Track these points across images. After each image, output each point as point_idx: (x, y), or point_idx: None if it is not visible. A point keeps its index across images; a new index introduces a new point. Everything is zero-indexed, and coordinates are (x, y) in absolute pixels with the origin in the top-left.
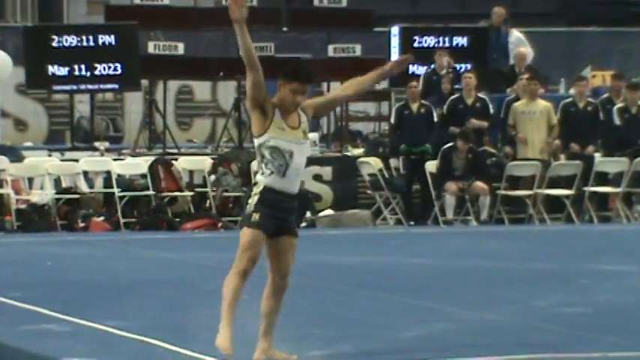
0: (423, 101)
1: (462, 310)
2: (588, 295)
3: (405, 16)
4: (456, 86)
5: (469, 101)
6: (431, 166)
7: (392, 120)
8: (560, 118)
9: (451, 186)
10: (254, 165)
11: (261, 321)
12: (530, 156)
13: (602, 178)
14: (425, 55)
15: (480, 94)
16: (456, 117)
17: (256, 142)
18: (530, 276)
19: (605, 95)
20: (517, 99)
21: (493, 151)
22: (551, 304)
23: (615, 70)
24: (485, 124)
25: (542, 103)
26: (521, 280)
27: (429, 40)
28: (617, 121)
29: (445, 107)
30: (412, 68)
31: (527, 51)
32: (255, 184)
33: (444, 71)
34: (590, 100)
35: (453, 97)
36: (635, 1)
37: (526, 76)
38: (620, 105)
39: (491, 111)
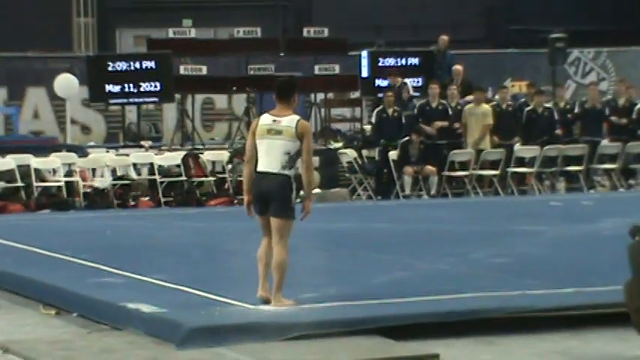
0: (395, 107)
1: (418, 261)
2: (511, 249)
3: (372, 42)
4: (414, 94)
5: (434, 105)
6: (393, 154)
7: (373, 120)
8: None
9: (408, 169)
10: None
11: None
12: (472, 146)
13: (521, 161)
14: (387, 72)
15: (442, 100)
16: (423, 117)
17: (299, 148)
18: (468, 236)
19: (522, 100)
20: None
21: (440, 142)
22: (483, 256)
23: (529, 81)
24: (446, 123)
25: (484, 107)
26: (461, 239)
27: (390, 61)
28: (524, 119)
29: (415, 109)
30: (377, 82)
31: (460, 68)
32: (291, 178)
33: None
34: (509, 102)
35: (421, 101)
36: (542, 29)
37: (453, 87)
38: (529, 108)
39: (450, 113)
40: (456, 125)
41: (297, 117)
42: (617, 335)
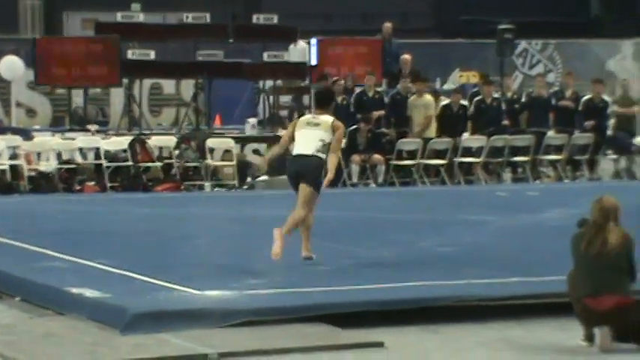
0: (344, 95)
1: (364, 249)
2: (457, 238)
3: (321, 30)
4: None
5: (370, 94)
6: None
7: None
8: (441, 116)
9: (355, 158)
10: (209, 142)
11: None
12: (417, 136)
13: (468, 151)
14: (336, 61)
15: (378, 89)
16: (361, 106)
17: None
18: (415, 224)
19: (474, 90)
20: (399, 93)
21: (387, 131)
22: (430, 245)
23: (478, 71)
24: (382, 112)
25: (426, 98)
26: (408, 227)
27: (338, 49)
28: (472, 109)
29: (352, 99)
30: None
31: (408, 57)
32: (323, 160)
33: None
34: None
35: (358, 91)
36: (491, 20)
37: (408, 79)
38: (478, 97)
39: (386, 102)
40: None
41: (333, 117)
42: (559, 325)
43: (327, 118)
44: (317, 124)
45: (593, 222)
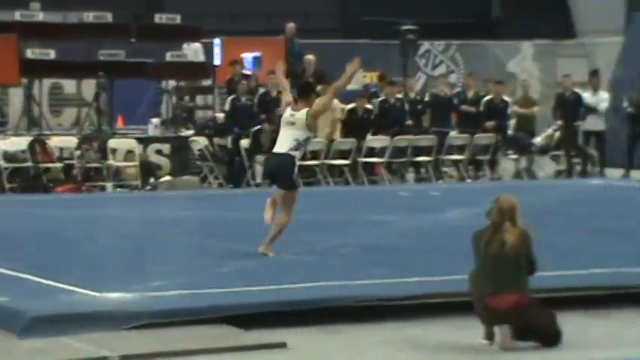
0: (248, 95)
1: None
2: (360, 238)
3: (224, 30)
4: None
5: (274, 94)
6: (245, 143)
7: (226, 108)
8: (347, 119)
9: (259, 158)
10: (111, 142)
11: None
12: (322, 136)
13: (371, 152)
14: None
15: None
16: (266, 106)
17: (308, 135)
18: (317, 225)
19: (374, 90)
20: None
21: None
22: (332, 245)
23: (380, 72)
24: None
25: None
26: (310, 228)
27: (243, 49)
28: (376, 110)
29: (256, 99)
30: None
31: (312, 57)
32: (295, 158)
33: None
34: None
35: (261, 91)
36: (394, 21)
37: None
38: (381, 98)
39: None
40: None
41: (308, 109)
42: (460, 324)
43: (302, 115)
44: (293, 123)
45: (491, 222)
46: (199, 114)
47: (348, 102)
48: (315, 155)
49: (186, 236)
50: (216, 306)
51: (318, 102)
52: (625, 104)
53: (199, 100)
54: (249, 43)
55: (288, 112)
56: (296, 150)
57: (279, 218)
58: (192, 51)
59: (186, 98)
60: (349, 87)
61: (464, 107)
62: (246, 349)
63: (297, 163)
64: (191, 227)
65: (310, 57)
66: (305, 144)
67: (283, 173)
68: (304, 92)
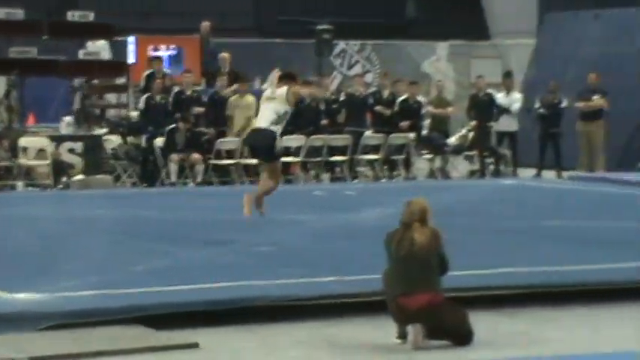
0: (163, 94)
1: (181, 249)
2: (274, 237)
3: (139, 28)
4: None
5: (188, 93)
6: (159, 141)
7: (141, 107)
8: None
9: (174, 157)
10: (22, 141)
11: None
12: (237, 136)
13: (286, 151)
14: (154, 59)
15: (197, 87)
16: (180, 105)
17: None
18: (232, 224)
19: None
20: (217, 92)
21: (207, 130)
22: (246, 244)
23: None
24: (201, 109)
25: (248, 98)
26: (225, 227)
27: (159, 47)
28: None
29: (171, 98)
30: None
31: (227, 56)
32: (276, 132)
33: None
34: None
35: (176, 90)
36: (310, 20)
37: (224, 77)
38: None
39: (205, 100)
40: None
41: (288, 87)
42: (374, 323)
43: (283, 91)
44: (273, 98)
45: (402, 223)
46: (112, 112)
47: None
48: (230, 154)
49: (99, 236)
50: (129, 306)
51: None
52: (537, 105)
53: (113, 98)
54: (164, 41)
55: (268, 91)
56: (276, 124)
57: (265, 180)
58: (97, 49)
59: (101, 96)
60: (265, 87)
61: (378, 108)
62: (159, 350)
63: (278, 137)
64: (104, 227)
65: (225, 55)
66: (284, 118)
67: (264, 147)
68: (287, 77)
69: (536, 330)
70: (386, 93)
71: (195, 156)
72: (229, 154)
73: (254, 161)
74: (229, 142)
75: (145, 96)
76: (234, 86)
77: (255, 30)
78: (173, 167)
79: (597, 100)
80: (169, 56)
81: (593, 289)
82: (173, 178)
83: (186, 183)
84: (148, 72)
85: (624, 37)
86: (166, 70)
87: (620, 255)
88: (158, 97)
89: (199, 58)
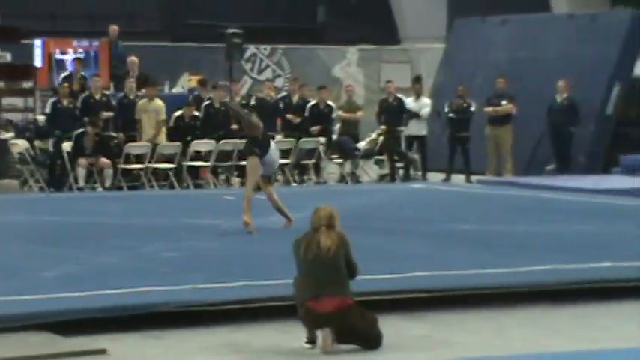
0: (70, 98)
1: (88, 255)
2: (184, 242)
3: (47, 31)
4: None
5: (97, 97)
6: (67, 146)
7: (47, 111)
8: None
9: (82, 161)
10: None
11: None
12: (145, 140)
13: (197, 155)
14: (61, 63)
15: (106, 91)
16: (88, 109)
17: None
18: (141, 229)
19: (196, 93)
20: (127, 96)
21: (115, 135)
22: (155, 249)
23: (202, 75)
24: (111, 114)
25: (157, 102)
26: (134, 232)
27: (66, 50)
28: (203, 113)
29: (80, 102)
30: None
31: (135, 59)
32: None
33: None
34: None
35: (85, 94)
36: (220, 24)
37: (131, 80)
38: (206, 102)
39: (114, 104)
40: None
41: None
42: (283, 327)
43: None
44: None
45: (311, 228)
46: (19, 116)
47: (174, 107)
48: (139, 159)
49: (6, 241)
50: (36, 312)
51: None
52: (446, 109)
53: (19, 102)
54: (71, 44)
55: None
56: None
57: (249, 195)
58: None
59: (9, 100)
60: (174, 91)
61: (289, 116)
62: (66, 356)
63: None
64: (11, 232)
65: (133, 59)
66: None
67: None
68: None
69: (442, 333)
70: (295, 98)
71: (104, 160)
72: (138, 158)
73: (164, 166)
74: (138, 146)
75: (52, 100)
76: (143, 90)
77: (164, 33)
78: (81, 172)
79: (505, 105)
80: (74, 59)
81: (499, 292)
82: (81, 182)
83: (94, 188)
84: (64, 74)
85: (532, 42)
86: (82, 73)
87: (528, 258)
88: (65, 102)
89: (108, 62)
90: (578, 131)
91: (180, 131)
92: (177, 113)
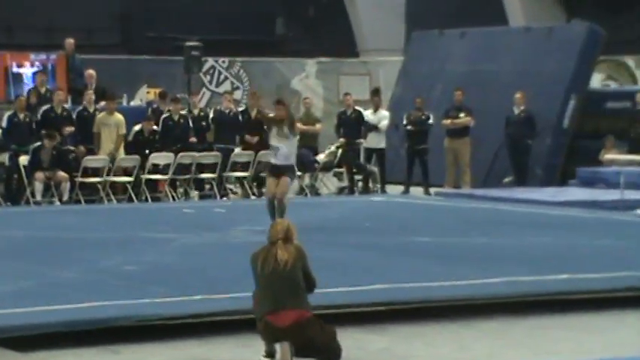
0: (26, 112)
1: (46, 269)
2: (142, 257)
3: (2, 44)
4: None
5: (58, 111)
6: (24, 160)
7: (4, 125)
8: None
9: (39, 175)
10: None
11: None
12: (104, 154)
13: (155, 168)
14: (18, 77)
15: (66, 106)
16: (48, 123)
17: None
18: (99, 243)
19: (155, 106)
20: (86, 109)
21: (72, 148)
22: (114, 263)
23: (162, 88)
24: (72, 128)
25: (117, 116)
26: (92, 246)
27: (23, 64)
28: (161, 126)
29: (39, 116)
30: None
31: (93, 72)
32: None
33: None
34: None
35: (45, 107)
36: (178, 37)
37: (90, 92)
38: (165, 115)
39: (74, 117)
40: (95, 131)
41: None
42: (242, 341)
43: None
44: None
45: (268, 242)
46: None
47: (133, 120)
48: (97, 172)
49: None
50: None
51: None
52: (404, 122)
53: None
54: (29, 57)
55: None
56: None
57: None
58: None
59: None
60: (133, 104)
61: (247, 137)
62: None
63: None
64: None
65: (91, 72)
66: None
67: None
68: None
69: (402, 346)
70: (254, 112)
71: (61, 174)
72: (96, 171)
73: (122, 179)
74: (96, 159)
75: (8, 114)
76: (102, 103)
77: (122, 46)
78: (38, 186)
79: (463, 117)
80: (33, 73)
81: (457, 304)
82: (38, 196)
83: (52, 202)
84: (30, 87)
85: (489, 55)
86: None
87: (486, 270)
88: (22, 115)
89: (65, 75)
90: (536, 143)
91: (139, 145)
92: (137, 128)
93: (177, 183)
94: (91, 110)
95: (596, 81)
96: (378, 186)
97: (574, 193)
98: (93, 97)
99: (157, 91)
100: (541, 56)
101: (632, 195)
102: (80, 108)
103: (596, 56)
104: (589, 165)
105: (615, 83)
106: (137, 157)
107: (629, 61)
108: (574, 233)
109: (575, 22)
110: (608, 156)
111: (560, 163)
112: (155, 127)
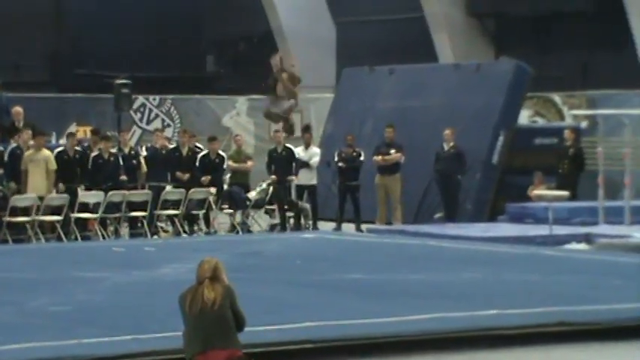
0: None
1: None
2: (71, 296)
3: None
4: None
5: None
6: None
7: None
8: (57, 164)
9: None
10: None
11: None
12: (33, 191)
13: (85, 207)
14: None
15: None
16: None
17: None
18: (27, 283)
19: (86, 144)
20: (19, 147)
21: (2, 187)
22: (41, 304)
23: (93, 126)
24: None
25: (45, 152)
26: (19, 286)
27: None
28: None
29: None
30: None
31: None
32: None
33: None
34: (77, 149)
35: None
36: (108, 74)
37: (25, 131)
38: (95, 153)
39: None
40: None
41: None
42: None
43: None
44: None
45: (196, 281)
46: None
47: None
48: (25, 211)
49: None
50: None
51: None
52: (335, 159)
53: None
54: None
55: None
56: None
57: None
58: None
59: None
60: (62, 142)
61: (178, 174)
62: None
63: None
64: None
65: (18, 109)
66: None
67: None
68: None
69: None
70: (185, 150)
71: None
72: (24, 210)
73: (51, 218)
74: (24, 198)
75: None
76: (31, 141)
77: (51, 84)
78: None
79: (394, 154)
80: None
81: (391, 341)
82: None
83: None
84: None
85: (419, 91)
86: None
87: (416, 307)
88: None
89: None
90: (465, 179)
91: (65, 165)
92: (60, 149)
93: (108, 221)
94: (25, 149)
95: (524, 117)
96: (310, 223)
97: (504, 228)
98: (30, 135)
99: (87, 129)
100: (470, 93)
101: (560, 230)
102: (14, 146)
103: (524, 93)
104: (518, 200)
105: (543, 120)
106: (66, 195)
107: (557, 97)
108: (504, 269)
109: (503, 59)
110: (537, 192)
111: (489, 199)
112: (77, 148)
